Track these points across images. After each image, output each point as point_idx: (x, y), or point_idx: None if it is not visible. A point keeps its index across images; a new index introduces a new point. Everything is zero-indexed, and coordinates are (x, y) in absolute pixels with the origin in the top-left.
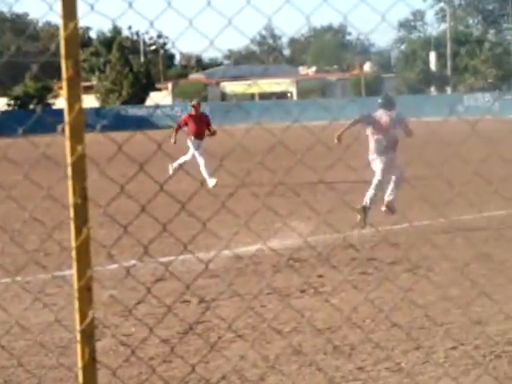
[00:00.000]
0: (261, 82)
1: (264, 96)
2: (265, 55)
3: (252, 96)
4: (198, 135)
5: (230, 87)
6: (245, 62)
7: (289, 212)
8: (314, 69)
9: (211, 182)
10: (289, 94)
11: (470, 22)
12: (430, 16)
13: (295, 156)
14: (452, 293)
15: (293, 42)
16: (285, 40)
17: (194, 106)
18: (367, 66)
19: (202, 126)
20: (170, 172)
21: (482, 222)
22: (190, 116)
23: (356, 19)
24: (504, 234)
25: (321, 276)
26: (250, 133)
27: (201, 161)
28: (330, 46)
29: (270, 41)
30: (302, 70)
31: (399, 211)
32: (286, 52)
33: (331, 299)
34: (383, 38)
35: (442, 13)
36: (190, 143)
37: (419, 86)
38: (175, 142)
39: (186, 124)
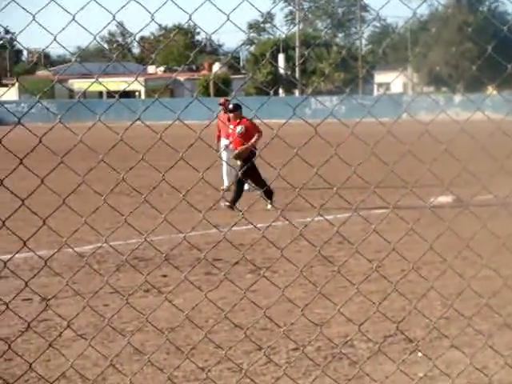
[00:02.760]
0: (109, 80)
1: (112, 94)
2: (114, 53)
3: (100, 94)
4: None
5: (78, 84)
6: (93, 59)
7: (134, 211)
8: (162, 68)
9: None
10: (137, 93)
11: (319, 25)
12: (279, 18)
13: (139, 155)
14: (295, 294)
15: (142, 40)
16: (134, 38)
17: (222, 104)
18: (216, 67)
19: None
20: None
21: (326, 225)
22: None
23: (207, 19)
24: (347, 237)
25: (165, 276)
26: (96, 131)
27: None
28: (179, 46)
29: (120, 38)
30: (151, 68)
31: (244, 212)
32: (136, 50)
33: (175, 299)
34: (232, 38)
35: (291, 15)
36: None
37: (267, 87)
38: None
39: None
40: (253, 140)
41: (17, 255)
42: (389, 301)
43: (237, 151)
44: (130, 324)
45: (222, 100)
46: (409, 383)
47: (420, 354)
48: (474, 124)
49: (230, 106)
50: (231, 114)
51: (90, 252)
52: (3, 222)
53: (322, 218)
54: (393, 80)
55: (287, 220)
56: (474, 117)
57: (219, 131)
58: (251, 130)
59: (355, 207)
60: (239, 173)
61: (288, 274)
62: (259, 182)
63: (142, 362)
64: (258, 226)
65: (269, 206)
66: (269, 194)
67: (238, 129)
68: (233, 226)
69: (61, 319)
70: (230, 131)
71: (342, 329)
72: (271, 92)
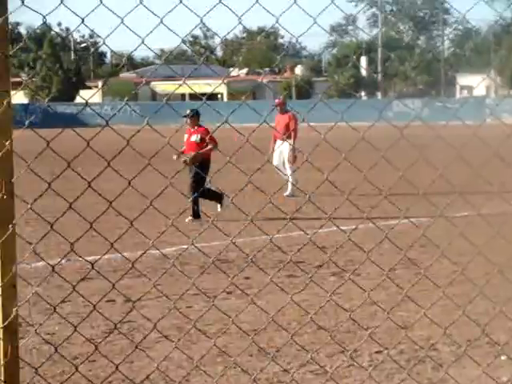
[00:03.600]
0: (191, 83)
1: (195, 96)
2: (197, 55)
3: (183, 96)
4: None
5: (161, 87)
6: (176, 61)
7: (217, 213)
8: (245, 70)
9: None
10: (219, 96)
11: (402, 27)
12: (361, 21)
13: (225, 157)
14: (378, 297)
15: (225, 42)
16: (217, 41)
17: (278, 105)
18: (298, 70)
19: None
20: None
21: (409, 228)
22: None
23: (288, 22)
24: (430, 240)
25: (248, 278)
26: (180, 133)
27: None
28: (262, 48)
29: (203, 41)
30: (234, 71)
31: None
32: (218, 53)
33: (257, 301)
34: (315, 41)
35: (373, 18)
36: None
37: (349, 90)
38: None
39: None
40: (206, 148)
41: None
42: (472, 304)
43: (189, 156)
44: (213, 326)
45: (277, 100)
46: None
47: (503, 357)
48: None
49: (188, 112)
50: (188, 120)
51: (173, 254)
52: (91, 224)
53: (404, 221)
54: (478, 84)
55: (373, 223)
56: None
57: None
58: (206, 139)
59: (440, 210)
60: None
61: (370, 277)
62: (203, 193)
63: (226, 364)
64: (342, 228)
65: (219, 209)
66: (217, 197)
67: (194, 137)
68: (320, 229)
69: (144, 320)
70: (185, 139)
71: (424, 332)
72: (357, 95)
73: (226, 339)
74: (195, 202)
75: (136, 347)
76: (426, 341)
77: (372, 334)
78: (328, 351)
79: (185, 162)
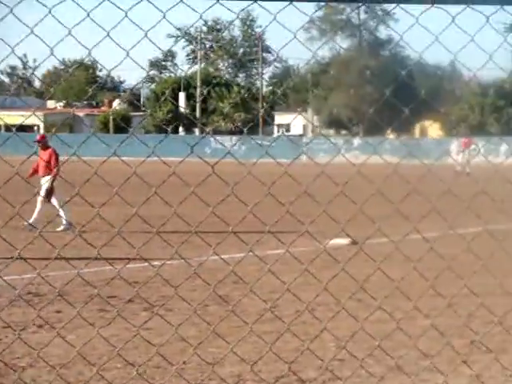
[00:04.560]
0: (6, 114)
1: (10, 128)
2: (13, 86)
3: None
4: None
5: None
6: None
7: (28, 245)
8: (62, 103)
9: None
10: (35, 128)
11: (221, 64)
12: (181, 57)
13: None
14: (188, 333)
15: (44, 74)
16: (37, 72)
17: (39, 141)
18: (116, 103)
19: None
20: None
21: (223, 264)
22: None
23: (107, 55)
24: (242, 277)
25: (59, 311)
26: None
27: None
28: (80, 81)
29: (21, 72)
30: (51, 103)
31: (139, 250)
32: (37, 84)
33: (68, 335)
34: (134, 76)
35: (193, 54)
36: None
37: (167, 125)
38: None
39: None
40: None
41: None
42: (283, 342)
43: None
44: (22, 359)
45: (38, 136)
46: None
47: None
48: (372, 167)
49: None
50: None
51: None
52: None
53: (218, 258)
54: (291, 121)
55: (182, 258)
56: (374, 160)
57: (37, 166)
58: None
59: (250, 247)
60: None
61: (182, 313)
62: None
63: None
64: (154, 263)
65: None
66: None
67: None
68: (127, 264)
69: None
70: None
71: (234, 368)
72: (169, 130)
73: (34, 372)
74: None
75: None
76: (236, 377)
77: (181, 369)
78: None
79: None
